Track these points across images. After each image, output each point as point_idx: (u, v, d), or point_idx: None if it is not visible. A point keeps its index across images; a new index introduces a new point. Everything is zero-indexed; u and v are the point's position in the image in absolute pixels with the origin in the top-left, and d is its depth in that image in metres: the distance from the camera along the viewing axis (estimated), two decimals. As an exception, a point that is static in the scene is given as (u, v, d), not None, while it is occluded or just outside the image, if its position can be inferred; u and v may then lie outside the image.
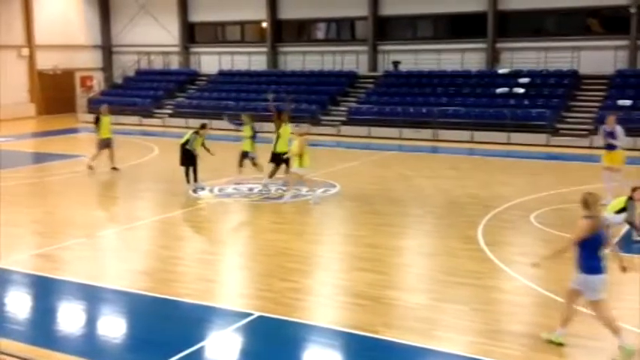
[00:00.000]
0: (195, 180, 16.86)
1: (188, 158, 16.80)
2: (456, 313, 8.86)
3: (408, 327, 8.40)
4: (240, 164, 17.27)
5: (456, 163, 21.40)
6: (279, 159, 16.75)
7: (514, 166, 20.94)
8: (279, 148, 16.72)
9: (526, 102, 27.31)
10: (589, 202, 7.49)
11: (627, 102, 25.59)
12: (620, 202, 12.05)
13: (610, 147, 15.07)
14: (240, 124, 17.48)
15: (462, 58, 30.90)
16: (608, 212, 11.66)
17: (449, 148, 24.68)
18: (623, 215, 11.84)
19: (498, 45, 30.52)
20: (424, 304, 9.22)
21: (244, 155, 17.22)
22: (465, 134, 26.25)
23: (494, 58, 30.43)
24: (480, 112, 27.06)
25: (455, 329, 8.34)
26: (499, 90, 28.32)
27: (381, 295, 9.48)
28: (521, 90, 28.00)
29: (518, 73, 28.92)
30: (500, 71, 29.56)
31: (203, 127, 17.18)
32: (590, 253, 7.44)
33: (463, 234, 12.64)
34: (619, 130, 15.06)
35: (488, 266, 10.81)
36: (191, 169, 16.79)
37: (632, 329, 8.13)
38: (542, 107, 26.72)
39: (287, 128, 16.83)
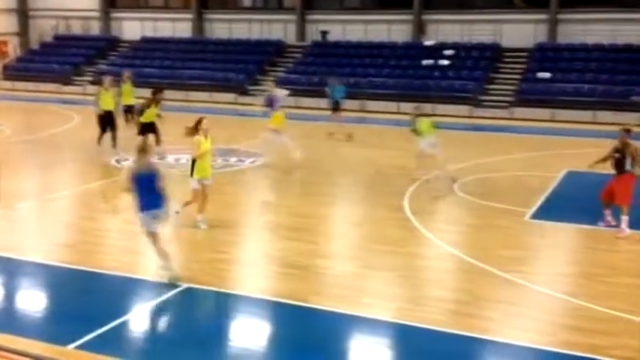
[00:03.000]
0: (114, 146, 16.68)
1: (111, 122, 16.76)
2: (383, 281, 9.06)
3: (336, 295, 8.52)
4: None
5: (381, 134, 21.66)
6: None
7: (438, 136, 21.37)
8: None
9: (450, 74, 27.86)
10: (141, 149, 8.61)
11: (547, 74, 26.49)
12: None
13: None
14: None
15: (389, 29, 31.12)
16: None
17: (375, 119, 24.93)
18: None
19: (424, 17, 30.87)
20: (352, 272, 9.37)
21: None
22: (391, 105, 26.55)
23: (420, 30, 30.79)
24: (406, 84, 27.43)
25: (382, 296, 8.53)
26: (425, 62, 28.74)
27: (310, 264, 9.56)
28: (446, 62, 28.50)
29: (443, 46, 29.40)
30: (426, 43, 29.96)
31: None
32: (142, 193, 8.49)
33: (389, 203, 12.87)
34: (279, 93, 17.22)
35: (414, 234, 11.07)
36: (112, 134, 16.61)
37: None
38: (466, 79, 27.32)
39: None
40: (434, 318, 7.83)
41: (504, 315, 8.04)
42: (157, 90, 16.51)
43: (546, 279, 9.12)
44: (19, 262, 9.65)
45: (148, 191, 8.52)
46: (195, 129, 10.67)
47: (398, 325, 7.71)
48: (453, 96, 26.42)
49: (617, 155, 11.04)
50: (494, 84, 27.82)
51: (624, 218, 10.85)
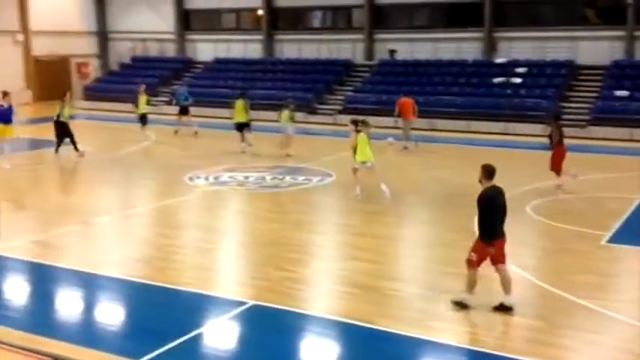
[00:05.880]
0: (76, 149, 18.91)
1: (64, 130, 18.83)
2: (450, 304, 8.87)
3: (404, 317, 8.42)
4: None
5: (452, 153, 21.37)
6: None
7: (511, 156, 20.92)
8: None
9: (523, 92, 27.30)
10: None
11: (624, 92, 25.59)
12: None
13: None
14: None
15: (459, 47, 30.82)
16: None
17: (445, 138, 24.65)
18: None
19: (495, 34, 30.44)
20: (420, 294, 9.23)
21: None
22: (461, 124, 26.23)
23: (491, 47, 30.37)
24: (477, 102, 27.05)
25: (451, 320, 8.36)
26: (496, 80, 28.29)
27: (377, 285, 9.49)
28: (519, 80, 27.97)
29: (515, 63, 28.88)
30: (497, 61, 29.51)
31: (65, 94, 19.68)
32: None
33: (459, 224, 12.63)
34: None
35: (484, 256, 10.80)
36: (67, 140, 18.91)
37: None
38: (539, 97, 26.71)
39: None
40: (505, 344, 7.62)
41: (580, 343, 7.73)
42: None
43: (624, 306, 8.73)
44: (94, 276, 9.98)
45: None
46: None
47: (467, 350, 7.54)
48: (526, 114, 25.85)
49: None
50: (569, 102, 27.05)
51: None
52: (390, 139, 18.31)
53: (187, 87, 27.62)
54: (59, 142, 19.19)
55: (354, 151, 14.54)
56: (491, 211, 8.34)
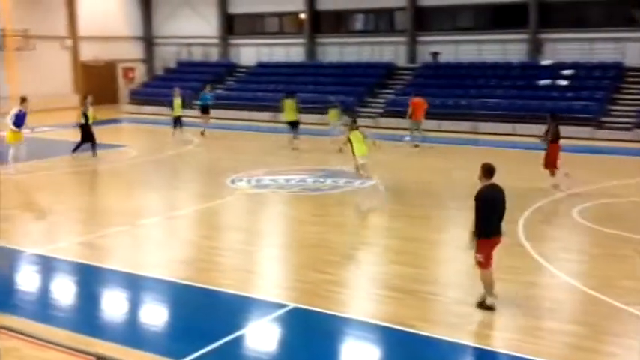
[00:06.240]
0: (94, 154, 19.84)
1: (89, 133, 19.99)
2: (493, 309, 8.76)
3: (444, 322, 8.35)
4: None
5: (496, 156, 21.06)
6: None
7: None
8: None
9: (569, 94, 26.77)
10: None
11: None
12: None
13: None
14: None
15: (504, 49, 30.42)
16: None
17: (489, 141, 24.34)
18: None
19: (541, 36, 29.94)
20: (460, 298, 9.13)
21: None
22: (506, 127, 25.86)
23: (536, 49, 29.88)
24: (522, 105, 26.63)
25: (493, 325, 8.26)
26: (542, 82, 27.81)
27: (418, 288, 9.43)
28: (565, 82, 27.44)
29: (561, 65, 28.35)
30: (543, 62, 29.02)
31: (86, 97, 20.58)
32: None
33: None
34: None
35: (528, 261, 10.65)
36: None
37: None
38: (586, 100, 26.14)
39: None
40: (549, 351, 7.48)
41: (626, 350, 7.55)
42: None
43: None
44: (138, 277, 10.17)
45: None
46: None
47: (510, 356, 7.42)
48: (573, 117, 25.30)
49: None
50: (617, 105, 26.41)
51: None
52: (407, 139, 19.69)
53: (213, 90, 29.01)
54: (92, 144, 20.00)
55: (352, 150, 15.28)
56: (489, 208, 8.49)
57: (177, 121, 24.05)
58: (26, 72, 33.71)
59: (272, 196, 15.72)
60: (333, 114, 22.29)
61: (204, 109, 26.00)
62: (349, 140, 15.31)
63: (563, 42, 29.23)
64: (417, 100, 22.63)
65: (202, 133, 25.09)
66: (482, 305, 8.57)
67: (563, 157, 15.83)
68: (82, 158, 19.89)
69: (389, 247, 11.60)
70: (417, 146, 22.12)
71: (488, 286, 8.57)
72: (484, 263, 8.54)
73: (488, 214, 8.48)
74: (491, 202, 8.53)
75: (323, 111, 23.68)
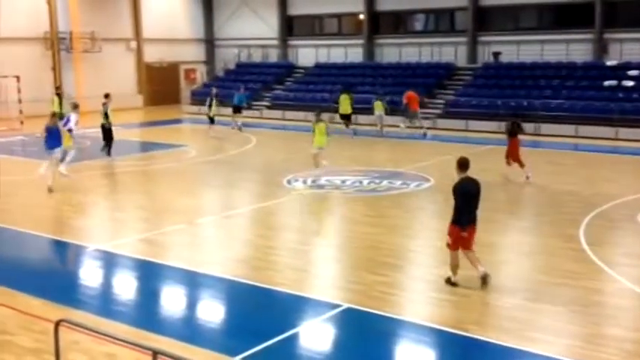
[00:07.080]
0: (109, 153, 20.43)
1: (110, 134, 20.52)
2: (551, 315, 8.54)
3: (499, 326, 8.19)
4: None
5: (557, 159, 20.56)
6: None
7: (621, 162, 19.92)
8: None
9: (635, 95, 25.86)
10: None
11: None
12: None
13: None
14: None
15: (567, 49, 29.64)
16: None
17: (551, 143, 23.77)
18: None
19: (606, 35, 29.04)
20: (517, 303, 8.95)
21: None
22: (568, 128, 25.20)
23: (601, 49, 28.99)
24: (586, 106, 25.90)
25: (551, 331, 8.05)
26: (607, 83, 26.97)
27: (473, 292, 9.29)
28: (631, 83, 26.53)
29: (627, 65, 27.41)
30: (609, 63, 28.12)
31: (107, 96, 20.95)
32: None
33: (563, 232, 12.17)
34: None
35: (589, 266, 10.35)
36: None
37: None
38: (654, 101, 25.21)
39: None
40: (609, 359, 7.24)
41: (692, 362, 7.24)
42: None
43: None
44: (196, 274, 10.36)
45: None
46: None
47: (566, 363, 7.24)
48: (639, 119, 24.48)
49: None
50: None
51: None
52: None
53: (247, 91, 30.80)
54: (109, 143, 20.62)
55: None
56: (465, 199, 9.16)
57: (212, 120, 25.81)
58: (92, 73, 34.90)
59: (328, 197, 15.76)
60: (378, 104, 25.61)
61: (236, 109, 27.80)
62: (313, 131, 17.40)
63: (630, 42, 28.24)
64: (411, 93, 25.82)
65: (240, 129, 27.05)
66: (449, 281, 9.43)
67: (631, 161, 15.31)
68: (143, 158, 20.39)
69: (444, 250, 11.43)
70: (425, 134, 25.17)
71: (454, 266, 9.41)
72: (452, 246, 9.33)
73: (462, 205, 9.14)
74: (466, 193, 9.21)
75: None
